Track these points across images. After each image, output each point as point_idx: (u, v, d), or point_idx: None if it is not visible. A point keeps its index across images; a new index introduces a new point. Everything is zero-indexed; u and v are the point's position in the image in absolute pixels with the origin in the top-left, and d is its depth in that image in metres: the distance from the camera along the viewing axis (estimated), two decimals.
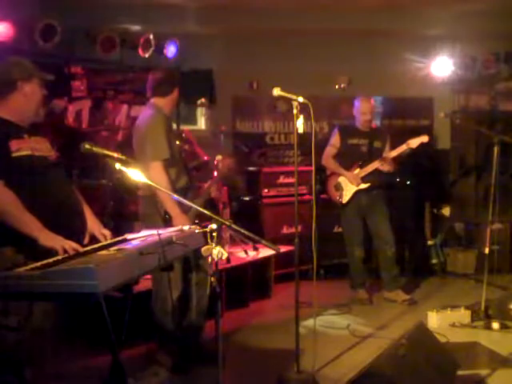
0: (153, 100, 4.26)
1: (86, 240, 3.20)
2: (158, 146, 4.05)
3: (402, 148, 5.71)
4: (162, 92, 4.23)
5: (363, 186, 5.79)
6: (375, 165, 5.76)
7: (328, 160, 5.98)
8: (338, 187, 5.92)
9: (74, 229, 3.11)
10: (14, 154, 2.97)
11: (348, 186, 5.86)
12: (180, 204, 3.94)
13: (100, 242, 3.19)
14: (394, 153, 5.75)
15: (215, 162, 4.70)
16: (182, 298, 4.22)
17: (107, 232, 3.31)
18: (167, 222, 3.95)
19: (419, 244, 7.16)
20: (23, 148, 3.01)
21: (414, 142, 5.64)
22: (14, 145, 2.98)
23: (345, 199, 5.85)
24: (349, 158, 5.91)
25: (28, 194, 2.94)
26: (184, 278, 4.21)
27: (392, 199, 6.82)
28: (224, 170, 4.60)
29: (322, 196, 6.44)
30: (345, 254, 6.12)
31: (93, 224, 3.29)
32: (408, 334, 3.64)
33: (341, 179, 5.90)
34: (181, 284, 4.16)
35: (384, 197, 6.01)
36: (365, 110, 5.85)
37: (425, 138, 5.64)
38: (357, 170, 5.82)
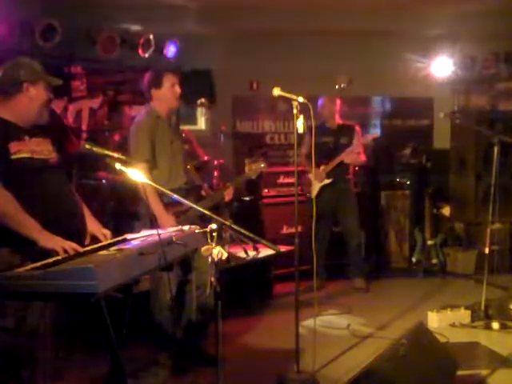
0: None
1: (87, 241, 3.20)
2: (137, 147, 4.15)
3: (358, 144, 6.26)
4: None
5: (326, 181, 6.20)
6: (338, 160, 6.16)
7: (302, 158, 6.32)
8: (308, 183, 6.30)
9: (73, 230, 3.10)
10: (13, 156, 2.96)
11: (315, 182, 6.25)
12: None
13: (100, 241, 3.19)
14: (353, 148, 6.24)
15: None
16: (181, 299, 4.22)
17: (107, 232, 3.31)
18: (153, 222, 3.98)
19: (419, 244, 7.16)
20: (23, 150, 3.01)
21: (365, 139, 6.33)
22: (13, 147, 2.97)
23: (313, 194, 6.18)
24: (318, 156, 6.15)
25: (27, 196, 2.93)
26: (184, 280, 4.20)
27: (392, 198, 6.85)
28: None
29: None
30: (345, 254, 6.35)
31: (93, 224, 3.30)
32: (408, 333, 3.64)
33: (310, 175, 6.30)
34: (175, 285, 4.15)
35: (353, 191, 6.44)
36: (325, 110, 6.19)
37: (375, 135, 6.57)
38: (322, 167, 6.20)
